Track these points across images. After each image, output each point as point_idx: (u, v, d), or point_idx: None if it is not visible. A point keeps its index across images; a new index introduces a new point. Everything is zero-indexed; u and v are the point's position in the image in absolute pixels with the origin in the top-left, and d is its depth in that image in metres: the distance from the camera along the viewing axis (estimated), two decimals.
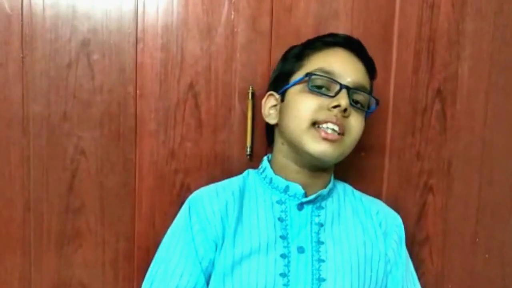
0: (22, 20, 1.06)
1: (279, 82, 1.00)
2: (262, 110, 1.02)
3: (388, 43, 1.15)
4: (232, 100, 1.10)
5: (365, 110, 0.97)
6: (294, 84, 0.95)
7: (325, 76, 0.93)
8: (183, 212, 0.96)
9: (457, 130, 1.17)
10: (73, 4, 1.06)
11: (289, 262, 0.90)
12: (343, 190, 1.02)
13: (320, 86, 0.93)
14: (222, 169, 1.10)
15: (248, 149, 1.09)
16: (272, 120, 1.00)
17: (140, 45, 1.08)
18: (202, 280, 0.91)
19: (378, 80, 1.14)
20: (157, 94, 1.09)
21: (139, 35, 1.08)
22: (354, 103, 0.94)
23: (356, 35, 1.12)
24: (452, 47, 1.16)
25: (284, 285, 0.88)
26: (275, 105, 1.00)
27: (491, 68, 1.17)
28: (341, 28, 1.12)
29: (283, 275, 0.89)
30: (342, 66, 0.94)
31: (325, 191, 0.96)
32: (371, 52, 1.12)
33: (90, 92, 1.08)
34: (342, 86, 0.92)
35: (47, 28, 1.06)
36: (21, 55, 1.06)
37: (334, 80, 0.92)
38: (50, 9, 1.06)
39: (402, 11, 1.14)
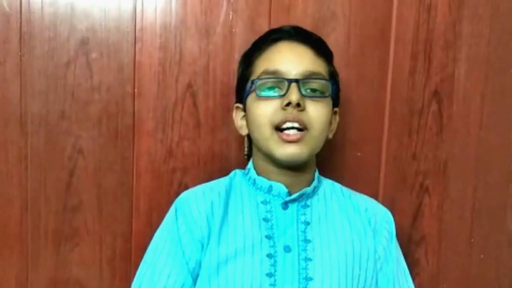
0: (20, 19, 1.06)
1: (239, 93, 1.00)
2: (235, 123, 1.02)
3: (385, 44, 1.15)
4: (230, 100, 1.10)
5: (326, 96, 0.93)
6: (248, 93, 0.95)
7: (269, 77, 0.92)
8: (170, 214, 0.96)
9: (453, 131, 1.18)
10: (71, 3, 1.07)
11: (275, 261, 0.89)
12: (331, 188, 1.01)
13: (271, 88, 0.92)
14: (220, 168, 1.10)
15: (246, 149, 1.09)
16: (243, 132, 1.00)
17: (138, 44, 1.09)
18: (190, 281, 0.91)
19: (375, 81, 1.15)
20: (155, 93, 1.09)
21: (137, 34, 1.08)
22: (311, 92, 0.92)
23: (353, 36, 1.13)
24: (448, 49, 1.16)
25: (271, 285, 0.88)
26: (244, 116, 0.99)
27: (487, 70, 1.17)
28: (339, 29, 1.12)
29: (269, 275, 0.88)
30: (285, 60, 0.92)
31: (309, 189, 0.96)
32: (368, 53, 1.14)
33: (88, 91, 1.08)
34: (289, 81, 0.90)
35: (45, 27, 1.07)
36: (20, 53, 1.06)
37: (279, 78, 0.91)
38: (48, 7, 1.06)
39: (399, 13, 1.15)
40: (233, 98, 1.09)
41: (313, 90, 0.92)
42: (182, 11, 1.09)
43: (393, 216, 1.04)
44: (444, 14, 1.16)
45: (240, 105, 1.00)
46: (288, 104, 0.89)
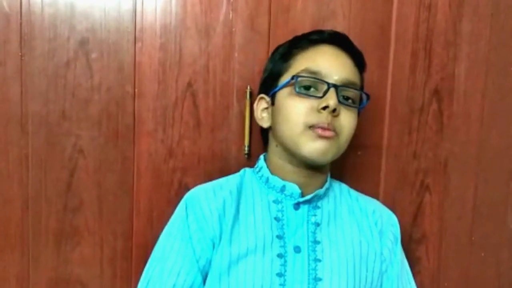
0: (20, 19, 1.06)
1: (268, 84, 0.99)
2: (255, 114, 1.01)
3: (386, 43, 1.15)
4: (230, 99, 1.11)
5: (357, 106, 0.96)
6: (282, 87, 0.95)
7: (311, 77, 0.92)
8: (180, 211, 0.95)
9: (454, 129, 1.18)
10: (71, 3, 1.07)
11: (285, 261, 0.90)
12: (339, 190, 1.02)
13: (308, 87, 0.92)
14: (220, 168, 1.11)
15: (246, 148, 1.10)
16: (265, 124, 1.00)
17: (138, 44, 1.09)
18: (199, 279, 0.91)
19: (375, 80, 1.15)
20: (155, 93, 1.09)
21: (137, 34, 1.08)
22: (344, 99, 0.93)
23: (353, 35, 1.12)
24: (449, 48, 1.16)
25: (281, 285, 0.88)
26: (266, 108, 0.99)
27: (487, 69, 1.17)
28: (338, 28, 1.11)
29: (279, 274, 0.89)
30: (329, 64, 0.93)
31: (321, 190, 0.96)
32: (368, 52, 1.13)
33: (89, 91, 1.08)
34: (329, 85, 0.90)
35: (45, 27, 1.07)
36: (20, 53, 1.06)
37: (321, 80, 0.91)
38: (48, 7, 1.07)
39: (399, 11, 1.15)
40: (233, 97, 1.10)
41: (347, 98, 0.93)
42: (182, 11, 1.09)
43: (395, 214, 1.04)
44: (444, 12, 1.16)
45: (266, 97, 0.99)
46: (325, 107, 0.89)
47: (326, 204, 0.97)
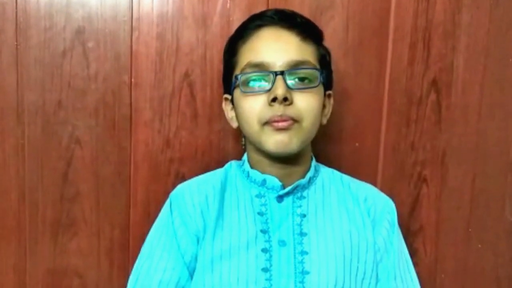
0: (16, 8, 1.05)
1: (226, 83, 0.97)
2: (225, 115, 0.99)
3: (384, 33, 1.14)
4: None
5: (315, 85, 0.88)
6: (234, 87, 0.92)
7: (254, 71, 0.87)
8: (165, 207, 0.95)
9: (452, 121, 1.18)
10: None
11: (270, 256, 0.87)
12: (330, 177, 0.98)
13: (258, 79, 0.88)
14: (217, 158, 1.10)
15: (243, 139, 1.09)
16: (234, 124, 0.97)
17: (135, 34, 1.08)
18: (186, 274, 0.90)
19: (373, 71, 1.14)
20: (152, 83, 1.09)
21: (134, 23, 1.08)
22: (300, 81, 0.87)
23: (352, 25, 1.12)
24: (447, 39, 1.16)
25: (267, 279, 0.86)
26: (233, 108, 0.95)
27: (486, 60, 1.17)
28: (337, 18, 1.11)
29: (265, 269, 0.86)
30: (270, 51, 0.87)
31: (303, 181, 0.93)
32: (367, 43, 1.13)
33: (85, 81, 1.08)
34: (274, 74, 0.85)
35: (41, 16, 1.06)
36: (16, 43, 1.06)
37: (264, 71, 0.87)
38: None
39: (398, 2, 1.14)
40: None
41: (302, 79, 0.88)
42: (179, 0, 1.08)
43: None
44: (443, 3, 1.15)
45: (229, 97, 0.96)
46: (275, 99, 0.85)
47: (312, 194, 0.94)
